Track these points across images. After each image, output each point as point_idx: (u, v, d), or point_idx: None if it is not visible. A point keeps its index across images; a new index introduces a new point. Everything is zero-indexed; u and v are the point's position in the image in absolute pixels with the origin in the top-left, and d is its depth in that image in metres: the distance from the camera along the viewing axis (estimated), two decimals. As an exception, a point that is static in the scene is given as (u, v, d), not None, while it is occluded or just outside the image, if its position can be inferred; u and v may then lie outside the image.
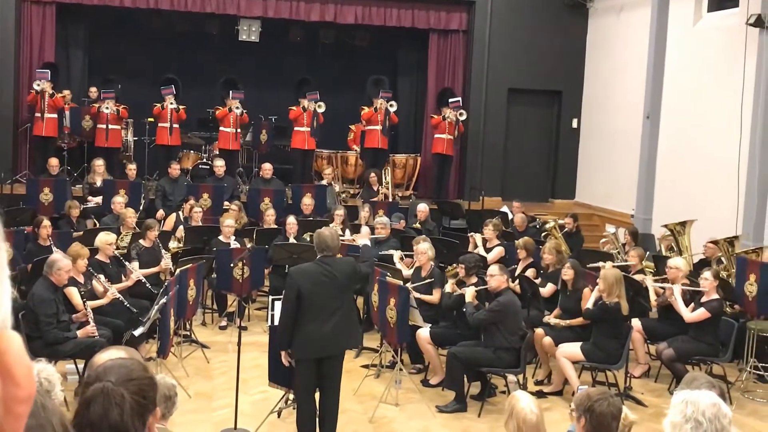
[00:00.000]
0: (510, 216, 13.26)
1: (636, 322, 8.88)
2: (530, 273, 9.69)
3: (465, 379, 8.02)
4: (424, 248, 9.14)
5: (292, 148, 15.35)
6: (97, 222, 11.71)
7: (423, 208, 12.74)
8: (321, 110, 14.96)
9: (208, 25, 16.65)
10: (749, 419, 8.01)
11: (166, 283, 8.39)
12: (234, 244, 10.52)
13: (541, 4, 16.65)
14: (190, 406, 7.46)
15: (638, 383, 8.87)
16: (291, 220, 11.09)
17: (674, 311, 8.67)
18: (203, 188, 13.03)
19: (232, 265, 9.32)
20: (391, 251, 10.27)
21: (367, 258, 7.27)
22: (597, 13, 16.67)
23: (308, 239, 10.62)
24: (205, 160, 15.33)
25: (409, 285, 8.71)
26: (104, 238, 8.99)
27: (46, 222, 9.89)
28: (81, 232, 10.73)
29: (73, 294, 7.90)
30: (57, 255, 7.92)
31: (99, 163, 13.44)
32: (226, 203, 12.92)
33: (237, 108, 14.76)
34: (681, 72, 13.79)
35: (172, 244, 10.84)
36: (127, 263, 9.17)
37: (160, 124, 14.81)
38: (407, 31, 16.80)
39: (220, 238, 10.65)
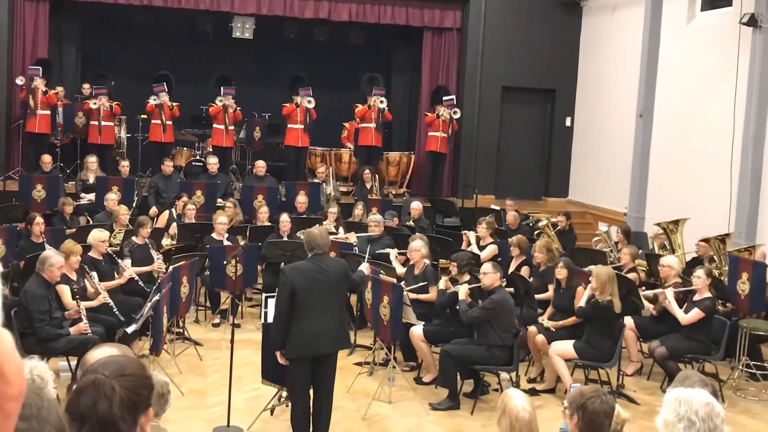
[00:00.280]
0: (503, 214, 13.27)
1: (629, 321, 8.90)
2: (524, 271, 9.71)
3: (458, 377, 8.03)
4: (417, 246, 9.14)
5: (286, 145, 15.33)
6: (90, 219, 11.69)
7: (416, 205, 12.74)
8: (310, 105, 14.92)
9: (202, 22, 16.63)
10: (741, 417, 8.04)
11: (159, 281, 8.38)
12: (225, 242, 10.50)
13: (535, 3, 16.66)
14: (183, 403, 7.46)
15: (631, 381, 8.89)
16: (284, 218, 11.09)
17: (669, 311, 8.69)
18: (196, 185, 13.01)
19: (225, 262, 9.32)
20: (387, 250, 10.26)
21: (358, 276, 7.34)
22: (591, 12, 16.69)
23: (301, 237, 10.61)
24: (198, 157, 15.31)
25: (403, 285, 8.70)
26: (97, 235, 8.96)
27: (39, 219, 9.86)
28: (74, 229, 10.71)
29: (65, 292, 7.89)
30: (49, 252, 7.91)
31: (92, 160, 13.42)
32: (219, 200, 12.92)
33: (229, 103, 14.72)
34: (674, 71, 13.82)
35: (165, 242, 10.82)
36: (119, 260, 9.15)
37: (153, 121, 14.78)
38: (401, 28, 16.80)
39: (213, 235, 10.63)
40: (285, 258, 9.91)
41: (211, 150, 14.99)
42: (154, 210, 12.54)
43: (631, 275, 9.65)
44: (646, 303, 9.24)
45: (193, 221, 11.44)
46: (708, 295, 8.55)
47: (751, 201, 11.89)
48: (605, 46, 16.07)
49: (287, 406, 7.11)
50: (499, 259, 10.41)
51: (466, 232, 11.25)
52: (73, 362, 7.69)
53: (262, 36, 16.30)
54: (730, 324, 8.66)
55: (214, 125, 14.92)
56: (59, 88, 14.91)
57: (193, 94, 16.11)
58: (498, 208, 13.81)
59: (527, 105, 17.33)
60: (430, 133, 15.69)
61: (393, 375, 8.16)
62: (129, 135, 15.59)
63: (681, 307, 8.60)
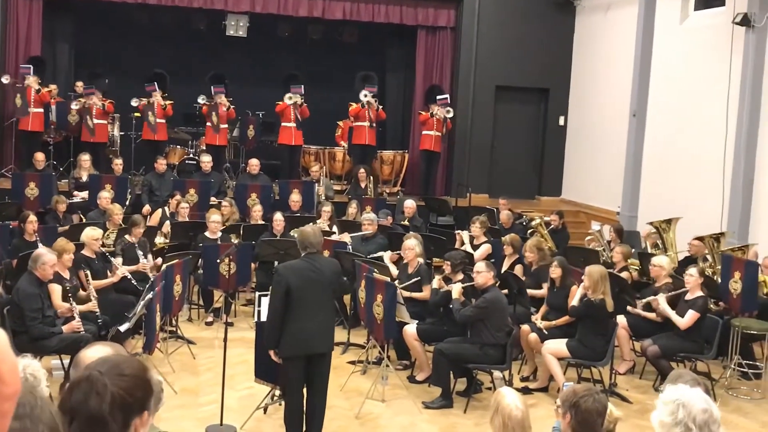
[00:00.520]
0: (496, 213, 13.27)
1: (621, 319, 8.92)
2: (517, 270, 9.72)
3: (451, 376, 8.04)
4: (411, 245, 9.14)
5: (279, 143, 15.32)
6: (83, 217, 11.66)
7: (410, 204, 12.74)
8: (294, 102, 14.87)
9: (196, 20, 16.60)
10: (733, 416, 8.06)
11: (152, 279, 8.37)
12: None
13: (528, 2, 16.68)
14: (176, 402, 7.45)
15: (623, 380, 8.91)
16: (278, 217, 11.08)
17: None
18: (190, 183, 12.98)
19: (218, 260, 9.31)
20: (381, 253, 10.23)
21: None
22: (584, 11, 16.71)
23: (295, 235, 10.60)
24: (191, 155, 15.29)
25: (397, 283, 8.71)
26: (90, 233, 8.94)
27: (33, 217, 9.82)
28: (66, 227, 10.68)
29: (55, 291, 7.86)
30: (42, 250, 7.89)
31: (85, 158, 13.38)
32: (213, 199, 12.90)
33: (221, 101, 14.72)
34: (668, 70, 13.85)
35: (159, 240, 10.80)
36: (113, 259, 9.13)
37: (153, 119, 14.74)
38: (395, 27, 16.80)
39: (207, 233, 10.62)
40: (278, 257, 9.92)
41: (204, 148, 14.96)
42: (147, 208, 12.51)
43: (623, 274, 9.68)
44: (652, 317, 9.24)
45: (187, 219, 11.42)
46: (700, 294, 8.57)
47: (744, 200, 11.92)
48: (599, 45, 16.09)
49: (280, 404, 7.11)
50: (493, 260, 10.41)
51: (459, 232, 11.24)
52: (66, 360, 7.67)
53: (256, 34, 16.29)
54: (722, 323, 8.69)
55: (208, 123, 14.90)
56: (52, 86, 14.86)
57: (187, 92, 16.07)
58: (490, 207, 13.81)
59: (521, 104, 17.35)
60: (424, 132, 15.69)
61: (386, 374, 8.15)
62: (122, 133, 15.55)
63: (674, 308, 8.62)
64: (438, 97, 15.71)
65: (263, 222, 11.59)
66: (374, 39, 17.62)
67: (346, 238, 10.80)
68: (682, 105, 13.40)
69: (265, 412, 7.44)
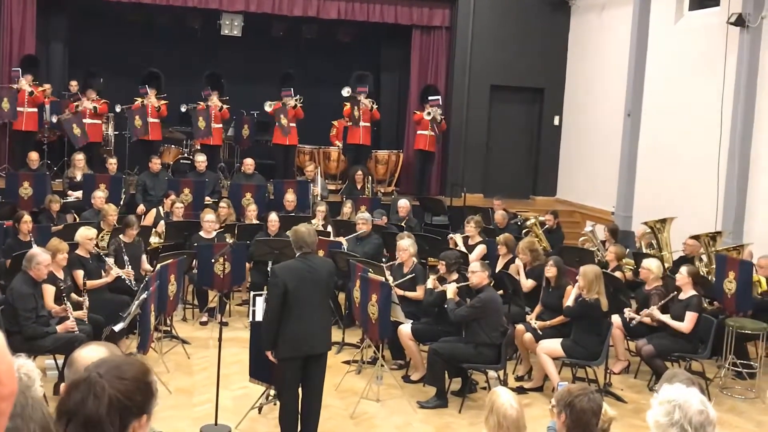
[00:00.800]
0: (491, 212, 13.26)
1: (616, 319, 8.93)
2: (512, 269, 9.71)
3: (446, 375, 8.04)
4: (405, 245, 9.14)
5: (274, 143, 15.31)
6: (77, 216, 11.64)
7: (404, 204, 12.73)
8: (267, 109, 15.04)
9: (190, 20, 16.57)
10: (728, 416, 8.07)
11: (146, 279, 8.36)
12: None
13: (523, 2, 16.69)
14: (170, 401, 7.44)
15: (618, 379, 8.92)
16: (273, 217, 11.03)
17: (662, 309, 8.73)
18: (184, 183, 12.96)
19: (213, 260, 9.30)
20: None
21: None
22: (579, 11, 16.73)
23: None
24: (186, 155, 15.26)
25: (391, 281, 8.71)
26: (84, 233, 8.91)
27: (27, 217, 9.79)
28: (60, 226, 10.65)
29: (48, 292, 7.84)
30: (37, 250, 7.86)
31: (79, 158, 13.35)
32: (207, 198, 12.88)
33: (213, 104, 14.72)
34: (662, 70, 13.87)
35: (153, 240, 10.79)
36: (107, 259, 9.10)
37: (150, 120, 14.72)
38: (390, 27, 16.79)
39: (201, 233, 10.60)
40: (273, 256, 9.90)
41: (199, 148, 14.93)
42: (141, 208, 12.49)
43: (617, 274, 9.68)
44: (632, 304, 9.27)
45: (181, 219, 11.40)
46: (693, 292, 8.58)
47: (738, 200, 11.95)
48: (593, 45, 16.11)
49: (275, 404, 7.11)
50: (487, 261, 10.40)
51: (452, 236, 11.15)
52: (60, 360, 7.65)
53: (251, 33, 16.27)
54: (716, 323, 8.69)
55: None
56: (46, 86, 14.80)
57: (182, 91, 16.04)
58: (484, 207, 13.81)
59: (516, 104, 17.36)
60: (418, 132, 15.68)
61: (381, 373, 8.15)
62: (116, 132, 15.51)
63: (668, 310, 8.64)
64: (430, 98, 15.72)
65: (258, 222, 11.58)
66: (369, 38, 17.61)
67: (344, 241, 10.74)
68: (677, 105, 13.42)
69: (259, 412, 7.44)
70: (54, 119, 14.25)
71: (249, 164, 13.91)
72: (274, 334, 6.37)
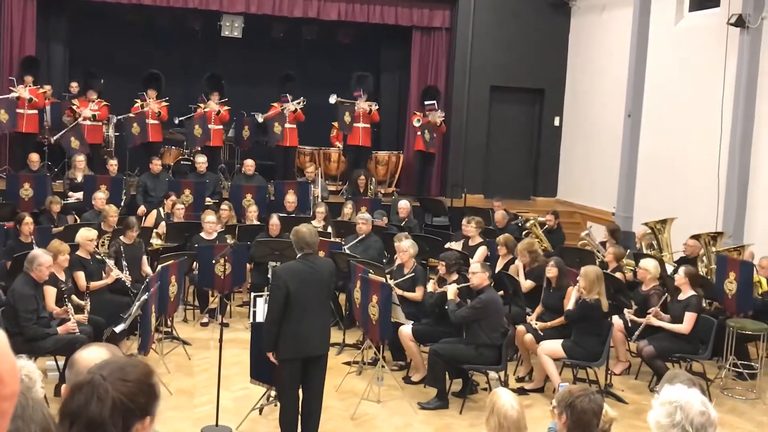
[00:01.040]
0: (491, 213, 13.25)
1: (617, 320, 8.93)
2: (512, 270, 9.71)
3: (447, 376, 8.04)
4: (405, 246, 9.14)
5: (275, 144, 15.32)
6: (77, 218, 11.64)
7: (405, 205, 12.72)
8: (259, 120, 15.17)
9: (191, 21, 16.59)
10: (728, 416, 8.06)
11: (147, 280, 8.36)
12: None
13: (523, 3, 16.69)
14: (171, 403, 7.44)
15: (619, 380, 8.92)
16: (274, 220, 10.99)
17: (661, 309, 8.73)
18: (185, 184, 12.95)
19: (213, 261, 9.30)
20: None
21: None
22: (579, 12, 16.73)
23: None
24: (186, 156, 15.27)
25: (391, 281, 8.71)
26: (85, 234, 8.92)
27: (28, 219, 9.77)
28: (61, 228, 10.65)
29: (49, 293, 7.84)
30: (38, 251, 7.86)
31: (80, 159, 13.34)
32: (208, 199, 12.89)
33: (211, 108, 14.76)
34: (662, 71, 13.87)
35: (154, 241, 10.79)
36: (107, 260, 9.10)
37: (149, 121, 14.71)
38: (390, 28, 16.79)
39: (202, 234, 10.61)
40: (274, 257, 9.90)
41: (199, 149, 14.94)
42: (142, 209, 12.49)
43: (616, 275, 9.68)
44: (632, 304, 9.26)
45: (182, 220, 11.40)
46: (692, 293, 8.59)
47: (738, 201, 11.95)
48: (594, 46, 16.11)
49: (276, 405, 7.11)
50: (488, 263, 10.39)
51: (450, 244, 11.04)
52: (61, 362, 7.66)
53: (251, 35, 16.27)
54: (717, 323, 8.70)
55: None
56: (47, 87, 14.80)
57: (182, 92, 16.04)
58: (484, 208, 13.79)
59: (516, 104, 17.36)
60: (418, 133, 15.68)
61: (382, 374, 8.16)
62: (117, 134, 15.52)
63: (667, 311, 8.64)
64: (426, 102, 15.72)
65: (259, 223, 11.58)
66: (369, 40, 17.61)
67: (346, 250, 10.67)
68: (677, 106, 13.42)
69: (260, 413, 7.44)
70: (52, 140, 14.23)
71: (249, 165, 13.91)
72: (275, 335, 6.36)
